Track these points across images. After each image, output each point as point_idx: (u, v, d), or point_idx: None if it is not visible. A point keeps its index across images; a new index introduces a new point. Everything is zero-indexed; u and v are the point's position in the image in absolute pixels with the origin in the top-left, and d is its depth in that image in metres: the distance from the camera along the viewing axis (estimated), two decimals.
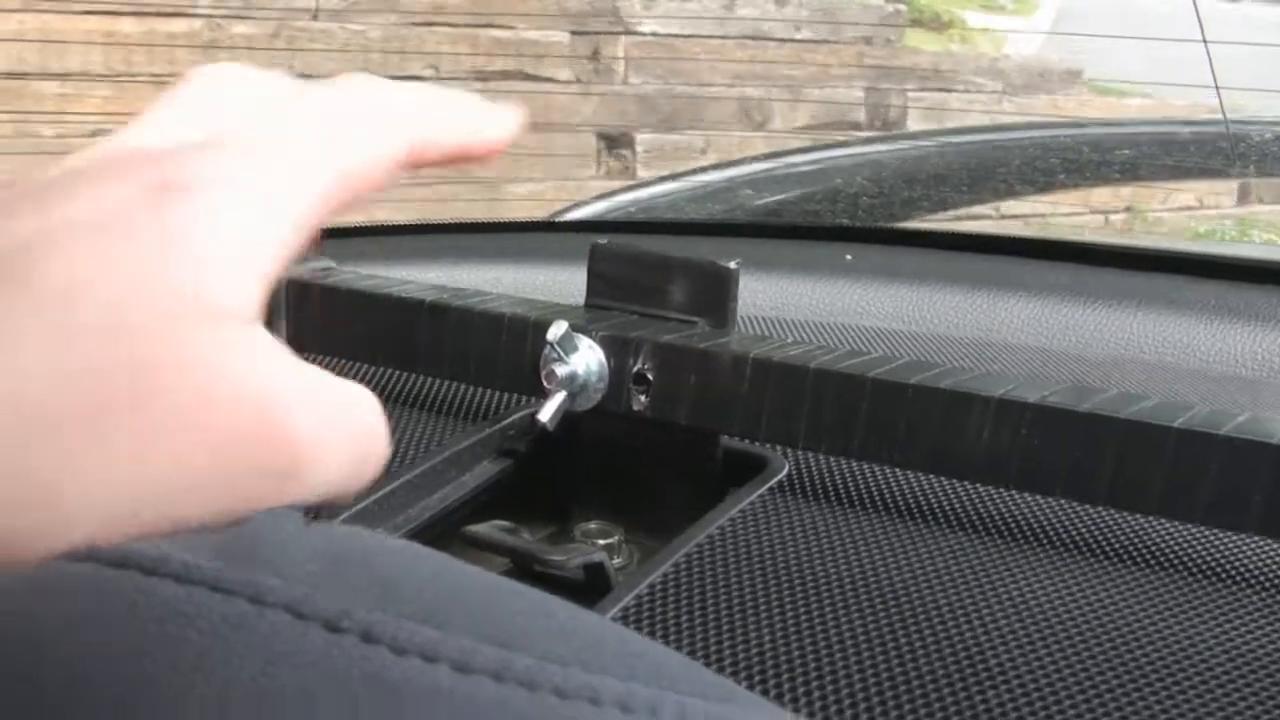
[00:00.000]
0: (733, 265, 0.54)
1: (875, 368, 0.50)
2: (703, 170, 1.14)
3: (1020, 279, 0.84)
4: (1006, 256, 0.91)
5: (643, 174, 3.21)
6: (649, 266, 0.55)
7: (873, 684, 0.40)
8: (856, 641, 0.42)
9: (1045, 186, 0.99)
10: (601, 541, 0.53)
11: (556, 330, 0.51)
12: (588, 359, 0.53)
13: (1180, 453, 0.45)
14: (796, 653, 0.41)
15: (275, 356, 0.30)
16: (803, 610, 0.44)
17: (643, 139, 3.32)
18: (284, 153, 0.32)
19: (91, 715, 0.21)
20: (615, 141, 3.31)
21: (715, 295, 0.54)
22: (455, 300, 0.57)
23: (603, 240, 0.56)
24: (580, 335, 0.53)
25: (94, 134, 2.92)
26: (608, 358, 0.53)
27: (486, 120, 0.38)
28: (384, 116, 0.35)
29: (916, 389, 0.48)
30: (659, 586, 0.45)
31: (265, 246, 0.31)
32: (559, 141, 3.26)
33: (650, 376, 0.52)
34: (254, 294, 0.30)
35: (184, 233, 0.29)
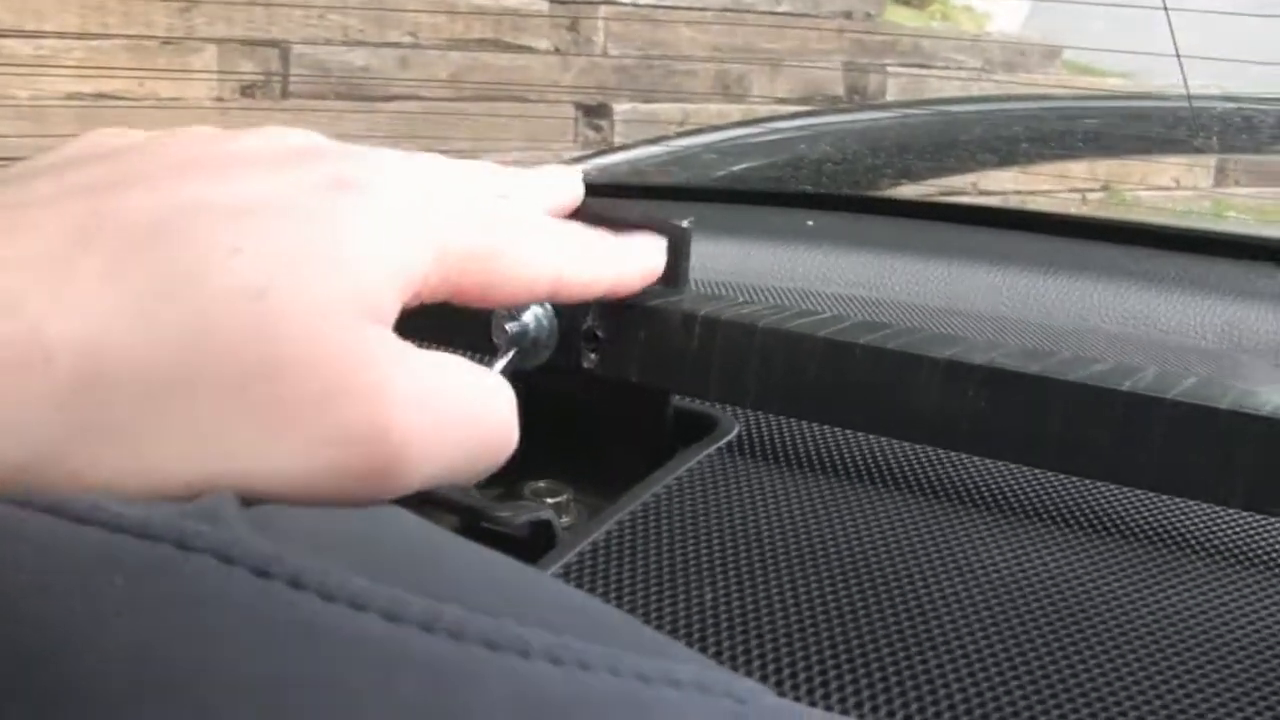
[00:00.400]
0: (685, 224, 0.53)
1: (824, 327, 0.49)
2: (669, 138, 1.14)
3: (984, 248, 0.84)
4: (972, 226, 0.91)
5: (619, 143, 3.20)
6: (599, 221, 0.54)
7: (813, 646, 0.40)
8: (800, 603, 0.42)
9: (1008, 156, 0.98)
10: (550, 500, 0.53)
11: None
12: (537, 315, 0.52)
13: (1128, 416, 0.45)
14: (739, 612, 0.41)
15: (399, 366, 0.30)
16: (746, 570, 0.43)
17: (620, 110, 3.31)
18: (456, 192, 0.35)
19: (10, 660, 0.21)
20: (593, 112, 3.30)
21: (668, 253, 0.53)
22: None
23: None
24: None
25: (69, 96, 2.89)
26: (557, 314, 0.52)
27: (635, 267, 0.45)
28: (563, 240, 0.40)
29: (865, 349, 0.48)
30: (601, 544, 0.45)
31: (415, 263, 0.32)
32: (536, 111, 3.25)
33: (600, 334, 0.52)
34: (395, 305, 0.32)
35: (353, 227, 0.30)
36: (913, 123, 0.98)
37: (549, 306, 0.52)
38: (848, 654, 0.39)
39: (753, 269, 0.78)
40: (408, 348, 0.32)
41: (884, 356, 0.48)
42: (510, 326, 0.52)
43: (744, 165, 0.97)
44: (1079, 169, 3.07)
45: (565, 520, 0.52)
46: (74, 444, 0.26)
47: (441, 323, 0.57)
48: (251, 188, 0.30)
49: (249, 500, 0.27)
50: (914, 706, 0.37)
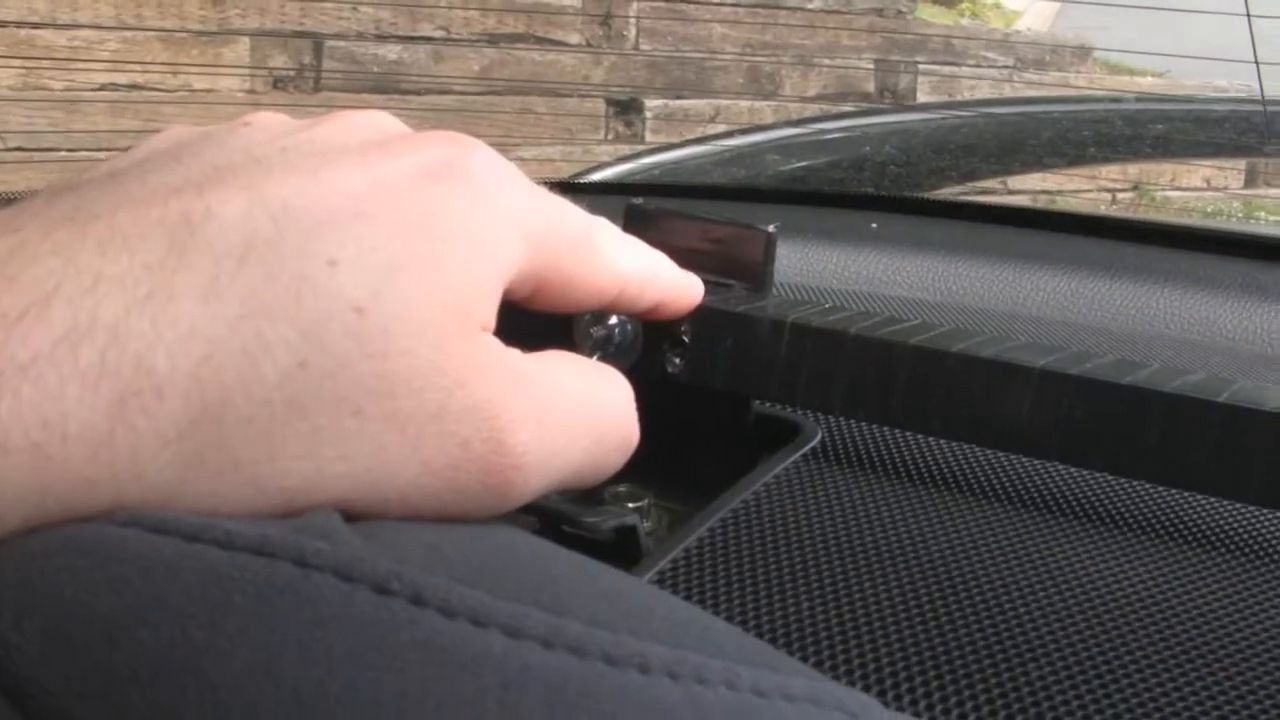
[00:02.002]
0: (771, 229, 0.53)
1: (916, 335, 0.49)
2: (729, 134, 1.14)
3: (1046, 252, 0.84)
4: (1032, 230, 0.91)
5: (651, 140, 3.20)
6: (685, 228, 0.54)
7: (913, 653, 0.39)
8: (895, 610, 0.41)
9: (1075, 160, 0.98)
10: (631, 504, 0.53)
11: None
12: (622, 320, 0.52)
13: (1225, 428, 0.45)
14: (836, 620, 0.41)
15: (510, 373, 0.30)
16: (841, 579, 0.43)
17: (652, 105, 3.31)
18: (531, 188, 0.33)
19: (134, 677, 0.21)
20: (624, 107, 3.30)
21: (752, 258, 0.53)
22: None
23: (638, 200, 0.55)
24: None
25: (102, 87, 2.91)
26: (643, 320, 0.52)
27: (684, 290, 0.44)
28: (633, 244, 0.39)
29: (957, 357, 0.48)
30: (694, 551, 0.45)
31: (513, 253, 0.31)
32: (568, 106, 3.25)
33: (686, 339, 0.52)
34: (496, 300, 0.31)
35: (449, 222, 0.29)
36: (979, 125, 0.97)
37: None
38: (948, 660, 0.39)
39: (814, 270, 0.78)
40: (515, 354, 0.31)
41: (976, 365, 0.48)
42: (595, 331, 0.52)
43: (804, 164, 0.97)
44: (1110, 171, 3.06)
45: (647, 525, 0.52)
46: (189, 479, 0.26)
47: (525, 327, 0.57)
48: (342, 184, 0.29)
49: (352, 516, 0.27)
50: (1017, 716, 0.37)
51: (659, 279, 0.43)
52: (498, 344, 0.31)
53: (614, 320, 0.52)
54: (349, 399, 0.27)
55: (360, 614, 0.22)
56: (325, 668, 0.21)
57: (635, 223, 0.55)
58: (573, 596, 0.25)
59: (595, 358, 0.51)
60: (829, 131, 1.03)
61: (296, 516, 0.26)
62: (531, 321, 0.56)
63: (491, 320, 0.31)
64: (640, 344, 0.52)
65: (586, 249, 0.36)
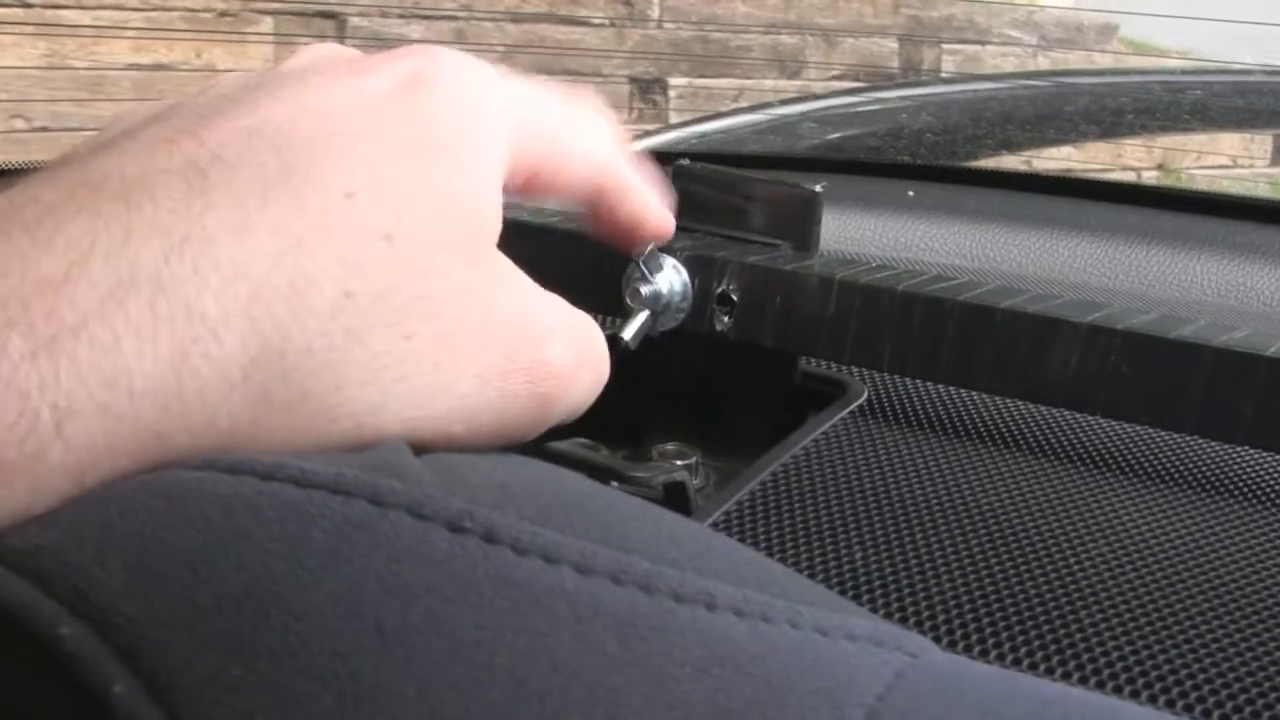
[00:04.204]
0: (818, 188, 0.53)
1: (963, 291, 0.49)
2: (768, 106, 1.14)
3: (1082, 219, 0.84)
4: (1068, 198, 0.91)
5: (675, 120, 3.20)
6: (732, 188, 0.55)
7: (965, 600, 0.40)
8: (949, 562, 0.42)
9: (1113, 127, 0.98)
10: (679, 462, 0.53)
11: (643, 248, 0.51)
12: (671, 278, 0.52)
13: (1273, 381, 0.45)
14: (889, 569, 0.41)
15: (532, 288, 0.31)
16: (890, 530, 0.44)
17: (675, 84, 3.30)
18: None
19: (217, 607, 0.21)
20: (648, 86, 3.29)
21: (799, 218, 0.54)
22: (535, 219, 0.57)
23: (685, 161, 0.56)
24: (664, 255, 0.52)
25: (127, 66, 2.91)
26: (692, 277, 0.53)
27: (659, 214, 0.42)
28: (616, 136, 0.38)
29: (1005, 313, 0.48)
30: (745, 504, 0.45)
31: (506, 141, 0.32)
32: (591, 85, 3.24)
33: (735, 297, 0.52)
34: (499, 205, 0.31)
35: (448, 131, 0.30)
36: (1017, 94, 0.97)
37: (683, 270, 0.53)
38: (1002, 610, 0.39)
39: (852, 237, 0.78)
40: (527, 279, 0.32)
41: (1024, 320, 0.48)
42: (644, 289, 0.52)
43: (841, 135, 0.97)
44: (1134, 148, 3.04)
45: (696, 483, 0.53)
46: (260, 418, 0.26)
47: (572, 285, 0.57)
48: (328, 106, 0.29)
49: (417, 444, 0.27)
50: (1073, 664, 0.37)
51: (634, 186, 0.41)
52: (512, 267, 0.31)
53: (662, 277, 0.52)
54: (399, 323, 0.27)
55: (435, 550, 0.23)
56: (404, 601, 0.22)
57: (684, 182, 0.56)
58: (639, 536, 0.25)
59: (643, 314, 0.52)
60: (866, 104, 1.04)
61: (365, 446, 0.27)
62: (581, 280, 0.57)
63: (498, 227, 0.31)
64: (689, 302, 0.53)
65: (569, 132, 0.36)
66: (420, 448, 0.27)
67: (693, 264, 0.53)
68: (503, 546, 0.23)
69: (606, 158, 0.38)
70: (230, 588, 0.22)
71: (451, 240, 0.29)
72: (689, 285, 0.53)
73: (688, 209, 0.56)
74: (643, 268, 0.52)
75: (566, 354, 0.31)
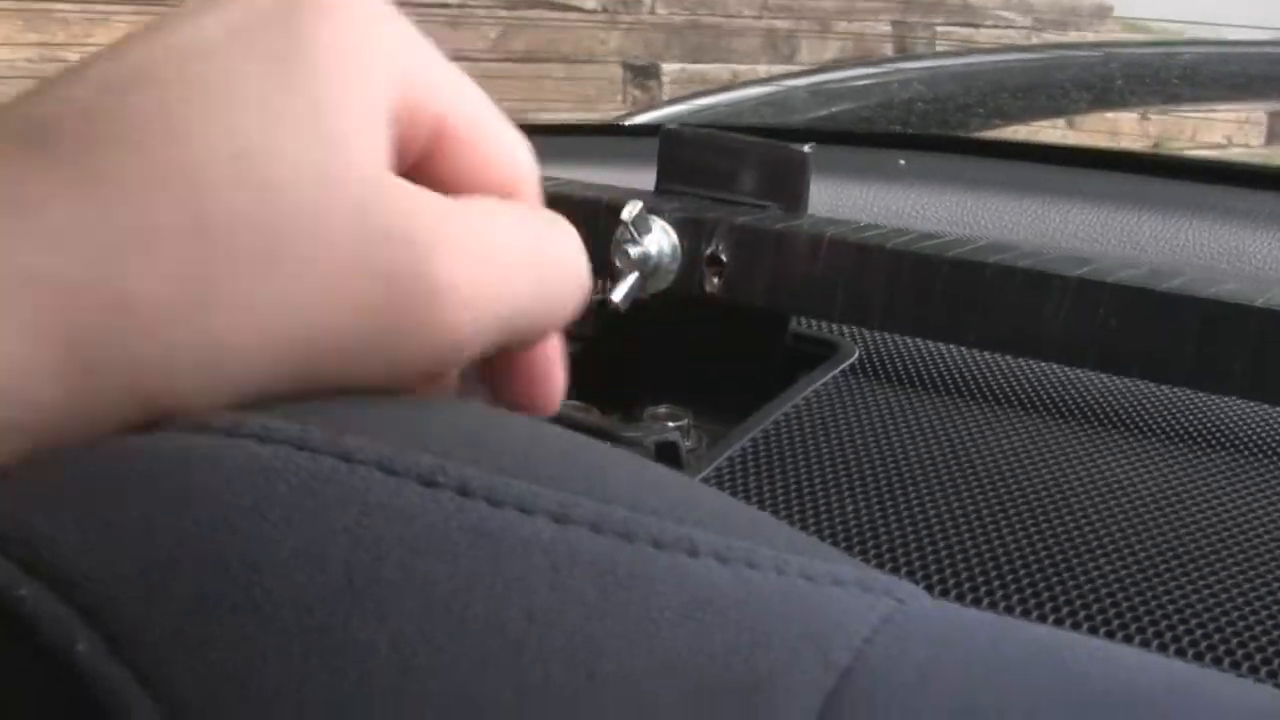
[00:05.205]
0: (806, 149, 0.53)
1: (952, 248, 0.49)
2: (764, 81, 1.14)
3: (1074, 187, 0.84)
4: (1060, 166, 0.91)
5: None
6: (720, 151, 0.55)
7: (958, 552, 0.40)
8: (940, 515, 0.42)
9: (1103, 93, 0.97)
10: (671, 424, 0.53)
11: (631, 210, 0.51)
12: (660, 240, 0.52)
13: (1262, 332, 0.45)
14: (880, 523, 0.41)
15: (427, 205, 0.28)
16: (884, 486, 0.44)
17: (669, 70, 3.30)
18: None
19: (174, 563, 0.21)
20: (641, 72, 3.29)
21: (787, 179, 0.54)
22: None
23: (673, 125, 0.56)
24: (653, 217, 0.52)
25: None
26: (681, 239, 0.53)
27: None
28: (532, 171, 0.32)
29: (994, 268, 0.48)
30: (738, 460, 0.45)
31: (387, 90, 0.28)
32: (585, 72, 3.24)
33: (724, 258, 0.52)
34: (382, 135, 0.28)
35: (322, 52, 0.27)
36: (1009, 64, 0.97)
37: (672, 231, 0.53)
38: (991, 560, 0.40)
39: (844, 206, 0.78)
40: (434, 194, 0.29)
41: (1014, 275, 0.48)
42: (632, 250, 0.52)
43: (834, 109, 0.97)
44: (1130, 128, 3.05)
45: (688, 444, 0.53)
46: (143, 371, 0.25)
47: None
48: (189, 38, 0.27)
49: (298, 387, 0.26)
50: (1065, 610, 0.37)
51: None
52: (408, 183, 0.28)
53: (650, 239, 0.52)
54: (261, 254, 0.25)
55: (408, 505, 0.22)
56: (375, 554, 0.21)
57: (670, 147, 0.56)
58: (619, 486, 0.25)
59: (633, 276, 0.52)
60: (860, 78, 1.03)
61: (262, 390, 0.26)
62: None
63: (385, 156, 0.28)
64: (678, 264, 0.53)
65: (489, 117, 0.31)
66: (298, 386, 0.26)
67: (682, 225, 0.53)
68: (477, 499, 0.23)
69: (530, 169, 0.32)
70: (191, 542, 0.21)
71: (316, 163, 0.26)
72: (678, 247, 0.53)
73: (676, 172, 0.56)
74: (632, 229, 0.52)
75: (465, 275, 0.27)
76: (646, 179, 0.64)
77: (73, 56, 2.74)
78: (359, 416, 0.25)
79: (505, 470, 0.23)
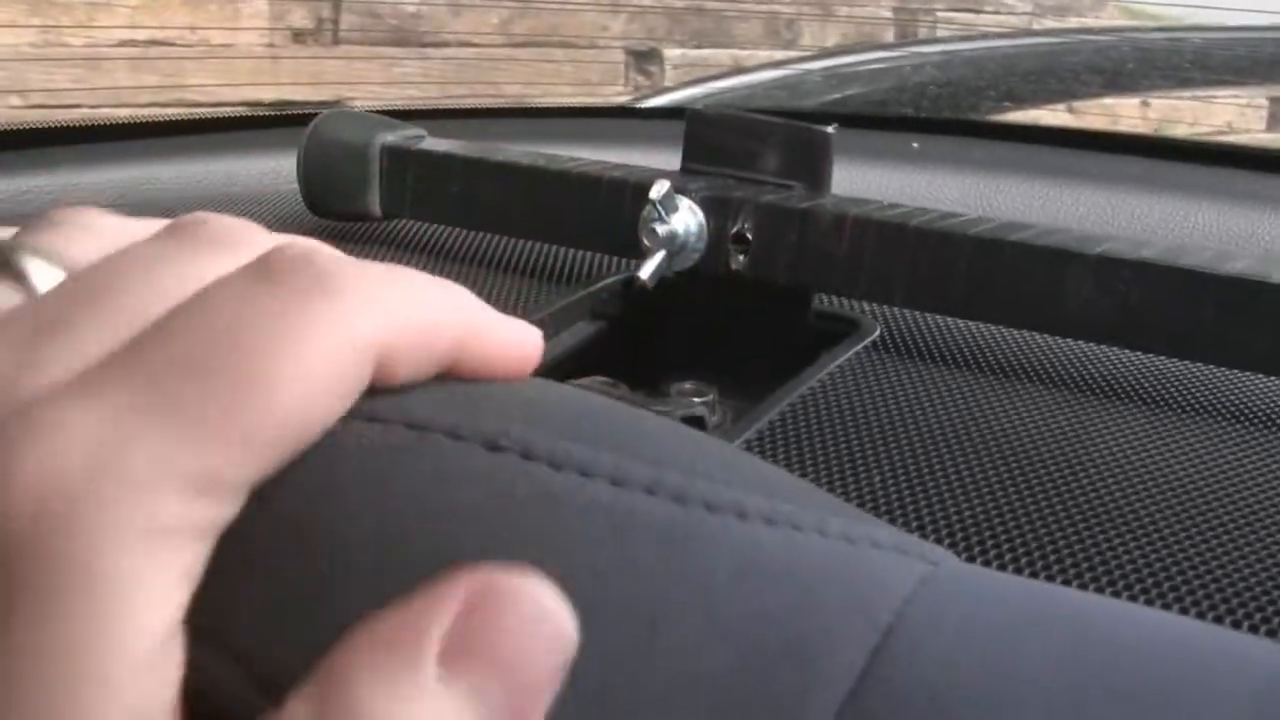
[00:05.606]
0: (830, 129, 0.54)
1: (974, 226, 0.50)
2: (777, 65, 1.14)
3: (1086, 170, 0.85)
4: (1071, 149, 0.91)
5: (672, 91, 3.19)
6: (745, 131, 0.56)
7: (984, 521, 0.41)
8: (965, 485, 0.43)
9: (1114, 78, 0.98)
10: (697, 400, 0.54)
11: (659, 189, 0.52)
12: (687, 219, 0.53)
13: (1277, 308, 0.46)
14: (907, 495, 0.42)
15: None
16: (910, 458, 0.45)
17: (671, 55, 3.30)
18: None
19: (264, 531, 0.22)
20: (644, 58, 3.29)
21: (811, 159, 0.55)
22: (552, 164, 0.58)
23: (699, 106, 0.57)
24: (680, 196, 0.53)
25: (121, 44, 2.91)
26: (707, 218, 0.53)
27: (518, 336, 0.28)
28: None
29: (1015, 245, 0.49)
30: (766, 434, 0.46)
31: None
32: (587, 57, 3.24)
33: (750, 236, 0.53)
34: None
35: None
36: (1021, 48, 0.98)
37: (698, 210, 0.54)
38: (1017, 530, 0.40)
39: (857, 189, 0.79)
40: None
41: (1035, 253, 0.49)
42: (660, 229, 0.53)
43: (848, 93, 0.98)
44: (1130, 113, 3.04)
45: (714, 419, 0.54)
46: None
47: (588, 227, 0.58)
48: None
49: None
50: (1088, 576, 0.38)
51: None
52: None
53: (677, 218, 0.53)
54: None
55: (475, 469, 0.23)
56: (449, 520, 0.22)
57: (696, 126, 0.57)
58: (667, 450, 0.26)
59: (659, 254, 0.53)
60: (872, 62, 1.04)
61: None
62: (595, 220, 0.57)
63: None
64: (704, 242, 0.54)
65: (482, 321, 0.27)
66: None
67: (708, 204, 0.53)
68: (539, 462, 0.23)
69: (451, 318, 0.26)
70: (277, 510, 0.22)
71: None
72: (704, 225, 0.53)
73: (702, 152, 0.57)
74: (659, 208, 0.53)
75: None
76: (658, 161, 0.65)
77: (76, 41, 2.72)
78: (421, 391, 0.26)
79: (561, 433, 0.24)
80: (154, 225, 0.25)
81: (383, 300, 0.23)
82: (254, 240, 0.25)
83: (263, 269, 0.22)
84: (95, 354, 0.21)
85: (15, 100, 2.79)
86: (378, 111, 0.70)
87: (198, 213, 0.24)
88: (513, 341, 0.27)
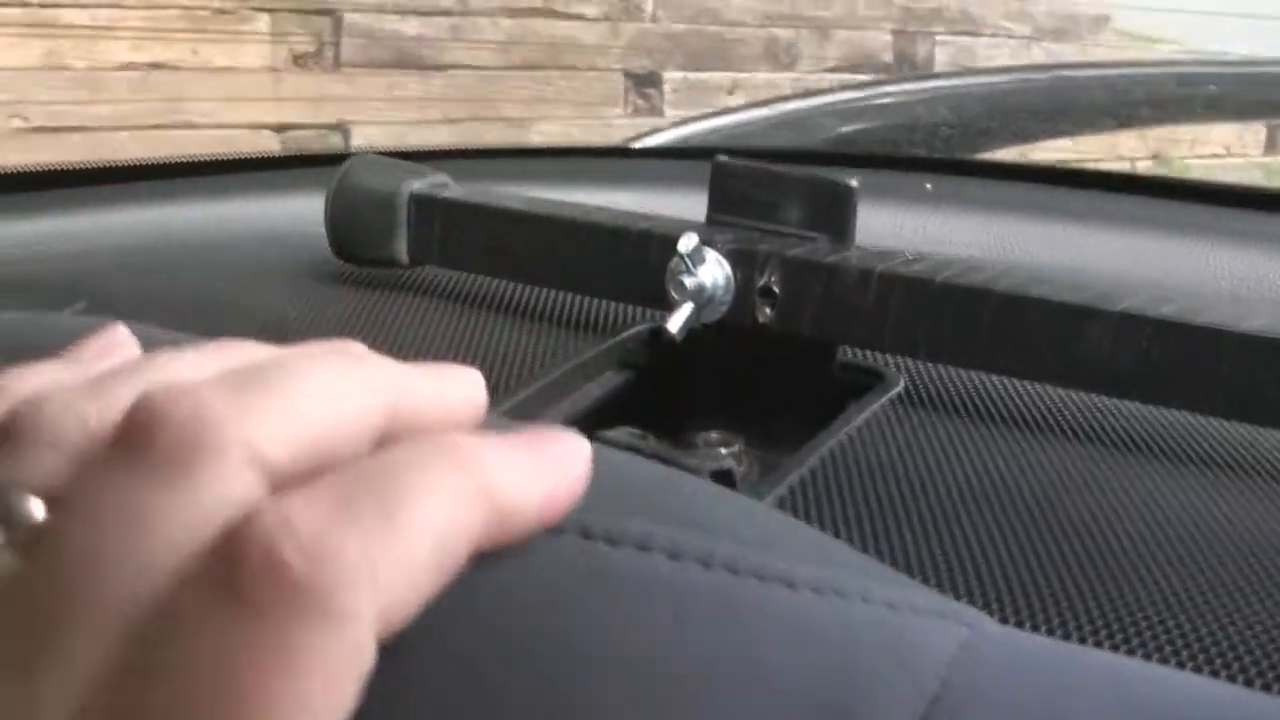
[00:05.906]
0: (853, 183, 0.55)
1: (998, 281, 0.51)
2: (784, 99, 1.15)
3: (1099, 210, 0.85)
4: (1086, 190, 0.92)
5: (671, 114, 3.20)
6: (770, 183, 0.56)
7: (1015, 581, 0.41)
8: (994, 543, 0.43)
9: (1127, 120, 0.99)
10: (724, 450, 0.55)
11: (687, 243, 0.53)
12: (714, 272, 0.54)
13: None
14: (939, 554, 0.43)
15: None
16: (938, 515, 0.45)
17: (670, 78, 3.31)
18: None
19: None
20: (643, 80, 3.30)
21: (835, 211, 0.55)
22: (580, 214, 0.59)
23: (724, 157, 0.57)
24: (707, 248, 0.54)
25: (124, 66, 2.91)
26: (734, 270, 0.54)
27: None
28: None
29: (1039, 301, 0.50)
30: (797, 489, 0.47)
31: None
32: (586, 79, 3.25)
33: (776, 289, 0.54)
34: None
35: None
36: (1030, 87, 0.99)
37: (725, 263, 0.54)
38: (1047, 587, 0.41)
39: (871, 231, 0.80)
40: None
41: (1058, 309, 0.50)
42: (688, 282, 0.54)
43: (858, 128, 0.99)
44: (1128, 138, 3.06)
45: (741, 470, 0.54)
46: None
47: (617, 279, 0.59)
48: None
49: None
50: (1119, 638, 0.39)
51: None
52: None
53: (705, 270, 0.54)
54: None
55: (540, 552, 0.24)
56: (524, 604, 0.23)
57: (721, 178, 0.57)
58: (716, 520, 0.27)
59: (688, 306, 0.54)
60: (881, 96, 1.05)
61: None
62: (624, 272, 0.58)
63: None
64: (731, 295, 0.54)
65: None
66: None
67: (735, 257, 0.54)
68: (597, 541, 0.24)
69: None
70: None
71: None
72: (731, 278, 0.54)
73: (726, 203, 0.57)
74: (687, 261, 0.53)
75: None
76: (653, 203, 0.66)
77: (80, 63, 2.72)
78: None
79: (613, 507, 0.25)
80: (117, 424, 0.23)
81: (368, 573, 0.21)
82: (212, 454, 0.22)
83: (230, 591, 0.20)
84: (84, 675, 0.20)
85: (18, 123, 2.79)
86: (393, 153, 0.70)
87: (156, 405, 0.22)
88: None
